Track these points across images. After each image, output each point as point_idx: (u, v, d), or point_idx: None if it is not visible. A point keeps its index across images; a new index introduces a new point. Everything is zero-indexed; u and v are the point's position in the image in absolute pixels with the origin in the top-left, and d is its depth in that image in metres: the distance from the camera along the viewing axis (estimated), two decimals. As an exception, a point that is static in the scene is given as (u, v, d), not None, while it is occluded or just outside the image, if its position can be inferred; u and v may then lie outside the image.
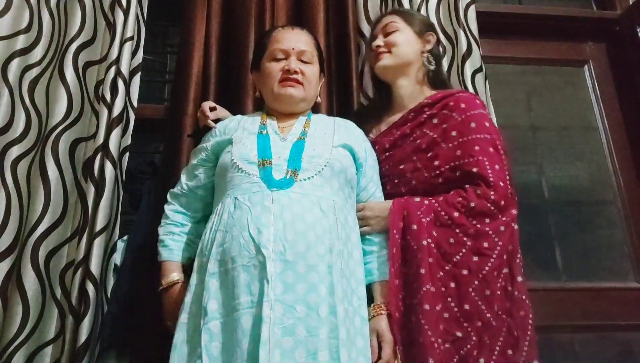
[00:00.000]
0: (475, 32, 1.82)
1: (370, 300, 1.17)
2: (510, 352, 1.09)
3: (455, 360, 1.07)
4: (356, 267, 1.14)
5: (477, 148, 1.21)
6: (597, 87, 2.13)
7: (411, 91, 1.38)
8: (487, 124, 1.26)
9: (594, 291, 1.80)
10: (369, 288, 1.18)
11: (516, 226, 1.19)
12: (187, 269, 1.23)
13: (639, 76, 2.07)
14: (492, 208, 1.16)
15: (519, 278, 1.16)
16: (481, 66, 1.77)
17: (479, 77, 1.75)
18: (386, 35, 1.39)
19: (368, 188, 1.27)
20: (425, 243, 1.14)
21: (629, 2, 2.18)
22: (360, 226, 1.22)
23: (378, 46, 1.38)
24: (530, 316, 1.15)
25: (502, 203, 1.17)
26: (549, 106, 2.13)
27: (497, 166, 1.20)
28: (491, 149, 1.22)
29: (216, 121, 1.40)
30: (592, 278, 1.87)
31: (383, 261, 1.19)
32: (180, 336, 1.05)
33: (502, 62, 2.12)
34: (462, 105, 1.28)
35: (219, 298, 1.04)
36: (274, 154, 1.17)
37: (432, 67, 1.39)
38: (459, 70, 1.75)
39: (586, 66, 2.17)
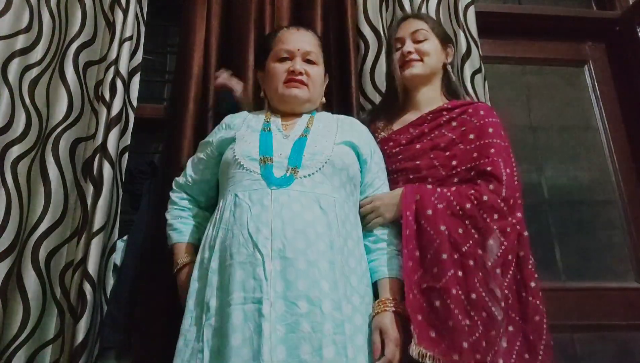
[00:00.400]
0: (475, 33, 1.83)
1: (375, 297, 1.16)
2: (527, 355, 1.11)
3: (464, 347, 1.07)
4: (357, 265, 1.13)
5: (492, 150, 1.25)
6: (597, 87, 2.13)
7: (430, 97, 1.42)
8: (502, 133, 1.31)
9: (593, 291, 1.81)
10: (374, 286, 1.17)
11: (526, 233, 1.22)
12: (197, 249, 1.23)
13: (639, 76, 2.07)
14: (502, 204, 1.19)
15: (532, 284, 1.18)
16: (480, 67, 1.77)
17: (478, 78, 1.75)
18: (416, 42, 1.41)
19: (374, 184, 1.26)
20: (443, 228, 1.16)
21: (629, 2, 2.18)
22: (372, 219, 1.22)
23: (410, 52, 1.40)
24: (545, 321, 1.16)
25: (511, 201, 1.20)
26: (549, 106, 2.13)
27: (508, 170, 1.24)
28: (504, 155, 1.27)
29: (223, 87, 1.50)
30: (592, 278, 1.87)
31: (390, 257, 1.18)
32: (185, 325, 1.07)
33: (502, 62, 2.12)
34: (481, 112, 1.33)
35: (219, 295, 1.05)
36: (275, 152, 1.17)
37: (453, 79, 1.46)
38: (459, 71, 1.75)
39: (586, 66, 2.18)
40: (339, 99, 1.67)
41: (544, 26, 2.16)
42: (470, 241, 1.16)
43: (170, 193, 1.34)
